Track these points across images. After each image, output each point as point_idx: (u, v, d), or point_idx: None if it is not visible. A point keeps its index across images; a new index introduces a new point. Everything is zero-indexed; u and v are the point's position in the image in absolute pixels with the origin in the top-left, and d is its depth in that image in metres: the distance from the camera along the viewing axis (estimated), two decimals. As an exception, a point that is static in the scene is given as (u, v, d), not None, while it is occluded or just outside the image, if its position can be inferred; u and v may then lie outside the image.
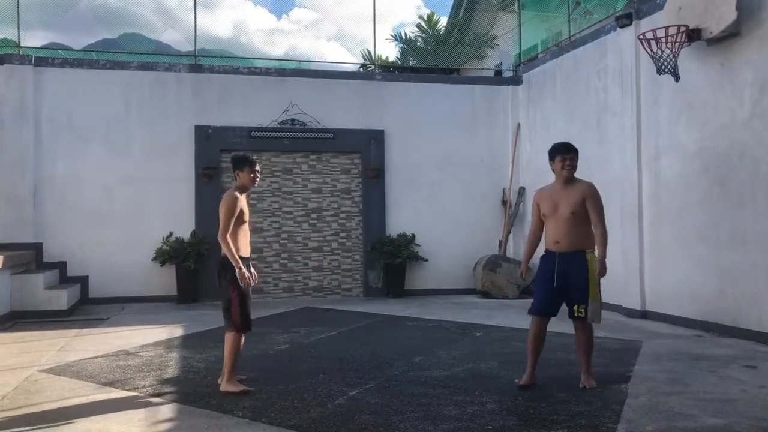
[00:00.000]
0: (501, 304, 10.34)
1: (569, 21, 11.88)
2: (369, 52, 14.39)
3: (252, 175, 5.22)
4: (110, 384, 5.31)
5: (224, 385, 5.04)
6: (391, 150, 11.78)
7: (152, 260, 10.62)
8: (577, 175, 5.19)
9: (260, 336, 7.53)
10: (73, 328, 8.15)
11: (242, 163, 5.22)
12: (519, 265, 11.48)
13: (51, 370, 5.81)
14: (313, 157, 11.62)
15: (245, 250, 5.15)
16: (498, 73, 14.10)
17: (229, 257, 4.96)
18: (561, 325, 8.20)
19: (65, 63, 10.82)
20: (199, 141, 11.04)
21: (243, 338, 5.14)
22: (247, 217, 5.18)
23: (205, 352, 6.55)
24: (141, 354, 6.53)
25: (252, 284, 5.08)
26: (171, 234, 10.77)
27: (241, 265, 4.96)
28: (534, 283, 5.42)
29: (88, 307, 10.10)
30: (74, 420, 4.32)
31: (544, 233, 5.30)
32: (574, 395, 4.83)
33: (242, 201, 5.12)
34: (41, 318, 8.86)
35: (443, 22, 16.89)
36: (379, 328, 8.25)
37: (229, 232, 4.97)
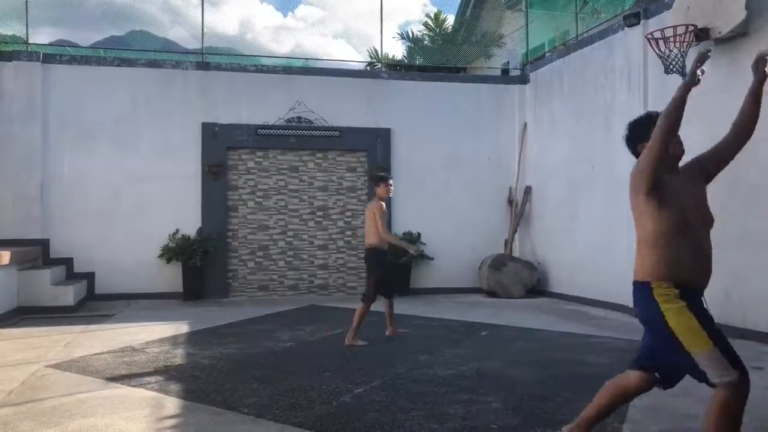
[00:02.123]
0: (507, 304, 10.33)
1: (577, 20, 11.84)
2: (376, 50, 14.39)
3: (386, 188, 7.00)
4: (116, 380, 5.33)
5: (349, 339, 6.75)
6: (397, 148, 11.78)
7: (158, 257, 10.65)
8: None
9: (265, 333, 7.56)
10: (80, 324, 8.18)
11: (379, 179, 7.09)
12: (525, 265, 11.63)
13: (57, 366, 5.83)
14: (319, 155, 11.63)
15: (381, 242, 6.88)
16: (505, 71, 14.07)
17: (396, 244, 7.12)
18: (566, 324, 8.21)
19: (73, 60, 10.86)
20: (205, 138, 11.06)
21: (367, 309, 6.88)
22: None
23: (211, 349, 6.56)
24: (147, 350, 6.55)
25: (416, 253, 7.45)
26: (177, 231, 10.80)
27: (405, 243, 7.25)
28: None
29: (94, 303, 10.14)
30: (80, 415, 4.34)
31: (669, 259, 3.09)
32: (579, 395, 4.81)
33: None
34: (48, 314, 8.90)
35: (450, 20, 16.86)
36: (384, 327, 8.23)
37: (385, 229, 6.84)
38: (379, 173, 7.33)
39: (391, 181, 7.11)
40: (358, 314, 6.83)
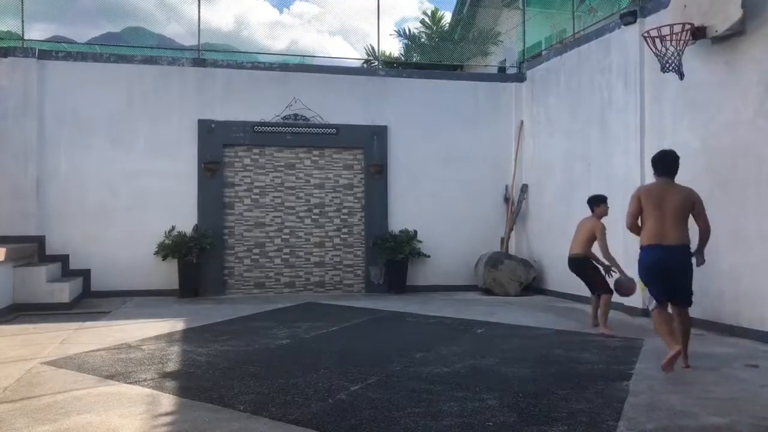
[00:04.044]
0: (503, 301, 10.35)
1: (573, 18, 11.85)
2: (372, 48, 14.39)
3: (605, 208, 7.79)
4: (112, 377, 5.32)
5: (601, 328, 7.39)
6: (394, 146, 11.77)
7: (154, 254, 10.63)
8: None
9: (262, 331, 7.55)
10: (75, 321, 8.16)
11: (601, 200, 7.83)
12: (521, 263, 11.64)
13: (53, 363, 5.82)
14: (315, 152, 11.61)
15: (586, 252, 7.68)
16: (502, 69, 14.07)
17: (614, 265, 7.44)
18: (562, 322, 8.22)
19: (69, 56, 10.82)
20: (202, 135, 11.04)
21: (611, 297, 7.51)
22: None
23: (207, 346, 6.56)
24: (142, 347, 6.54)
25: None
26: (173, 228, 10.78)
27: (619, 267, 7.42)
28: None
29: (90, 300, 10.12)
30: (75, 412, 4.33)
31: None
32: (574, 393, 4.83)
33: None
34: (43, 311, 8.88)
35: (447, 17, 16.86)
36: (380, 324, 8.25)
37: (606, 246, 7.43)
38: (600, 195, 7.98)
39: (608, 203, 7.87)
40: (602, 305, 7.49)
